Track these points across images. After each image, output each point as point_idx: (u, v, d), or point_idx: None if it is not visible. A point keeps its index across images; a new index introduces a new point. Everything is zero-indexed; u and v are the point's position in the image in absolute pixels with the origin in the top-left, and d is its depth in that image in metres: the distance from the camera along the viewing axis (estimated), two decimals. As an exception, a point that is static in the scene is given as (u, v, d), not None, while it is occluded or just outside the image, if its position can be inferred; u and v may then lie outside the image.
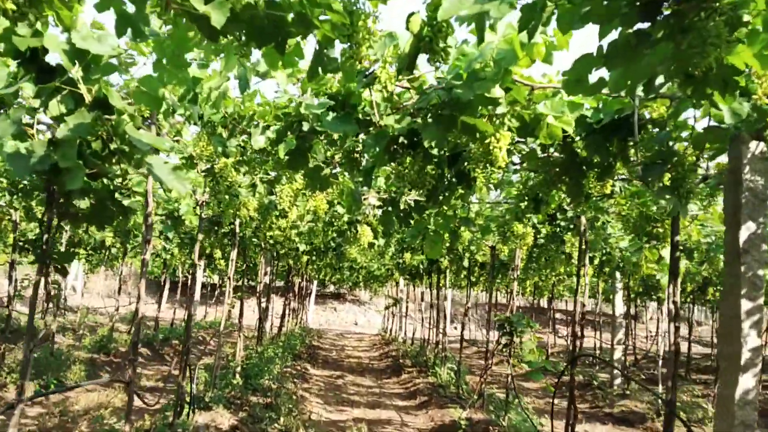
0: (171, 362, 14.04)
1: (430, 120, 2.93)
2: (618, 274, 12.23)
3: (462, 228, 6.48)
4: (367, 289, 34.95)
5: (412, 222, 4.82)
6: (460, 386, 10.54)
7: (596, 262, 8.06)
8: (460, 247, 9.62)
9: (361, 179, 4.90)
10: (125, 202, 3.73)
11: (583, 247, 6.12)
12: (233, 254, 7.72)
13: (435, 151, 3.28)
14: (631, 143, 3.27)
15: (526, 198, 5.02)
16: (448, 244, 7.51)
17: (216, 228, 8.97)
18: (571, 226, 6.17)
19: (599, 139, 3.37)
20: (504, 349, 7.85)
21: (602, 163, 3.63)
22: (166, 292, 19.24)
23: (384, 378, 13.92)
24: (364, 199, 5.95)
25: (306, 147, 3.49)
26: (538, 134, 3.26)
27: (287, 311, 18.13)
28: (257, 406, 7.82)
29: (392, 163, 3.34)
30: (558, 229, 6.20)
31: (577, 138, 3.53)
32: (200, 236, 5.93)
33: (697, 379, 15.88)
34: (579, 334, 6.70)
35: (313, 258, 9.92)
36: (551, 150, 3.80)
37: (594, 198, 5.12)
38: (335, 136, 3.59)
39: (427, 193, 3.36)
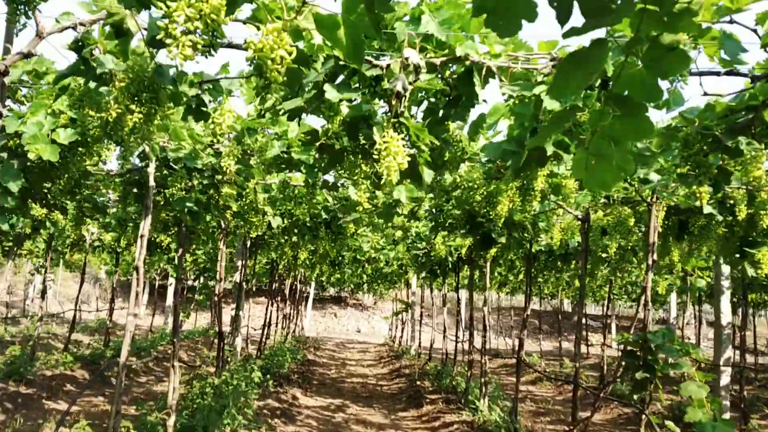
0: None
1: None
2: (725, 267, 8.74)
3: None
4: (371, 293, 31.51)
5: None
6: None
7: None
8: (523, 218, 6.16)
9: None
10: None
11: None
12: (143, 226, 4.27)
13: None
14: None
15: None
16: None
17: (137, 190, 5.56)
18: None
19: None
20: (634, 392, 4.36)
21: None
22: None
23: (398, 409, 10.44)
24: (383, 68, 2.49)
25: None
26: None
27: (275, 319, 14.67)
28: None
29: None
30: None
31: None
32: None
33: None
34: None
35: (294, 238, 6.50)
36: None
37: None
38: None
39: None
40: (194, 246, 9.53)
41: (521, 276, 12.94)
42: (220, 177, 4.61)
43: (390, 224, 6.53)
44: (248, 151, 4.27)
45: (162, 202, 5.70)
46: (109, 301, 13.43)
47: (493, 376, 14.29)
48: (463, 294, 27.85)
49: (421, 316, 16.78)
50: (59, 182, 4.65)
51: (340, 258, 11.35)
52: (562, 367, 16.89)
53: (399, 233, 7.77)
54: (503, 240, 5.71)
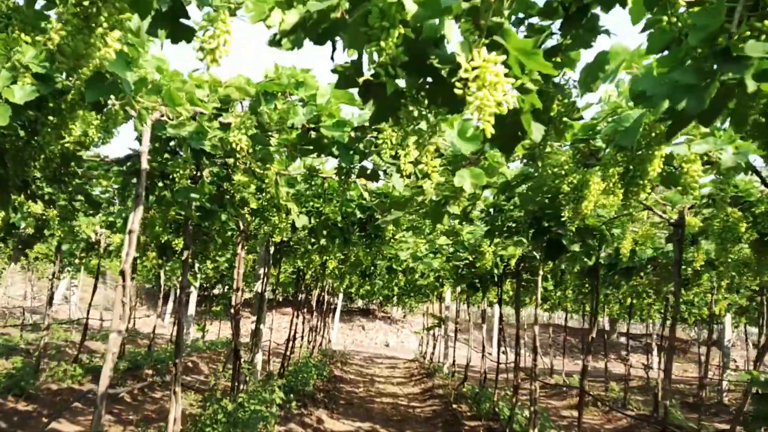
0: (132, 405, 9.74)
1: None
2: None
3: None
4: (401, 306, 30.50)
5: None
6: (578, 476, 6.00)
7: None
8: (597, 222, 5.13)
9: None
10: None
11: None
12: (133, 219, 3.36)
13: None
14: None
15: None
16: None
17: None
18: None
19: None
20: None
21: None
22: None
23: (435, 436, 9.42)
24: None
25: None
26: None
27: (300, 331, 13.75)
28: None
29: None
30: None
31: None
32: None
33: None
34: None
35: (323, 241, 5.53)
36: None
37: None
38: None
39: None
40: (213, 251, 8.65)
41: (568, 292, 11.82)
42: (231, 160, 3.70)
43: (439, 226, 5.55)
44: (265, 126, 3.35)
45: (170, 196, 4.84)
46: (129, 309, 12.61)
47: (528, 397, 13.08)
48: (497, 310, 26.60)
49: (456, 332, 15.70)
50: (35, 165, 3.79)
51: (372, 268, 10.37)
52: (608, 391, 15.66)
53: (442, 240, 6.77)
54: (576, 248, 4.70)
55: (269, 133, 3.45)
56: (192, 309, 18.22)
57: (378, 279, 12.89)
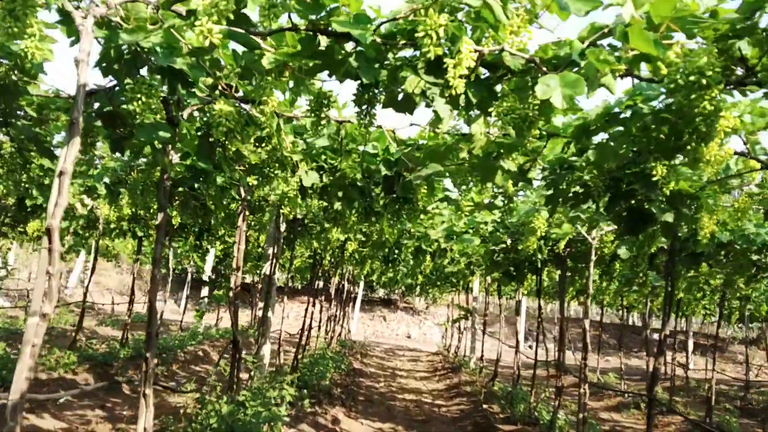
0: (130, 398, 8.84)
1: None
2: None
3: None
4: (423, 296, 29.43)
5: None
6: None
7: None
8: (689, 186, 4.01)
9: None
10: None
11: None
12: (65, 157, 2.35)
13: None
14: None
15: None
16: None
17: (104, 124, 3.66)
18: None
19: None
20: None
21: None
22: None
23: (464, 442, 8.37)
24: None
25: None
26: None
27: (315, 321, 12.78)
28: None
29: None
30: None
31: None
32: None
33: None
34: None
35: (338, 205, 4.45)
36: None
37: None
38: None
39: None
40: (215, 224, 7.65)
41: (613, 283, 10.64)
42: (210, 80, 2.66)
43: (478, 196, 4.46)
44: (250, 22, 2.30)
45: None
46: (129, 293, 11.74)
47: (566, 398, 11.95)
48: (524, 302, 25.36)
49: (484, 325, 14.58)
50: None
51: (396, 252, 9.29)
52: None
53: (484, 215, 5.68)
54: (669, 218, 3.60)
55: (257, 38, 2.41)
56: (204, 293, 17.36)
57: (402, 266, 11.82)
